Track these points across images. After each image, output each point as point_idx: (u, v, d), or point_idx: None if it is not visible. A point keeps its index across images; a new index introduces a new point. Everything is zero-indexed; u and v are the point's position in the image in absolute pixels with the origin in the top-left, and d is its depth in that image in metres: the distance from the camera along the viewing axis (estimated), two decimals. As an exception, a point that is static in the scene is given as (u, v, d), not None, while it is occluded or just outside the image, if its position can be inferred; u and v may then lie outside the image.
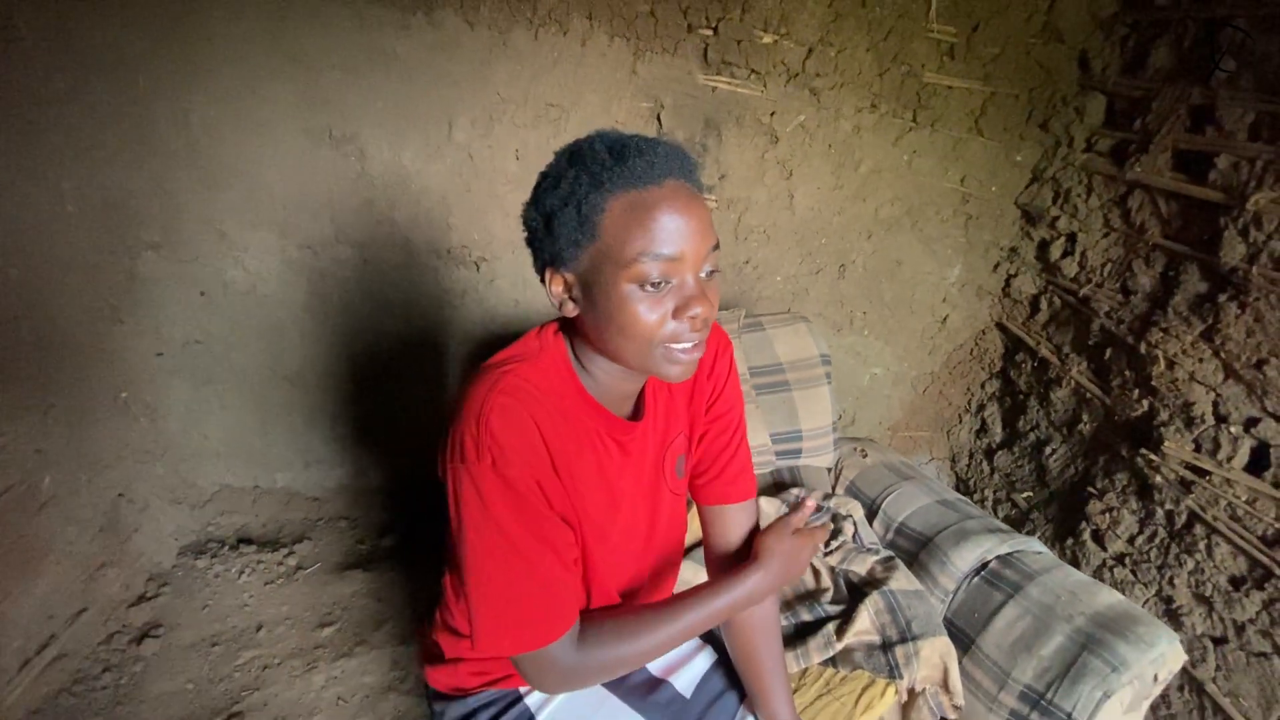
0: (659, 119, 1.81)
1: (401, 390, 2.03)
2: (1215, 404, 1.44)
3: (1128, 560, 1.61)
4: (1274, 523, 1.31)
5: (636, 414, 0.80)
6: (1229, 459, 1.39)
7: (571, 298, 0.69)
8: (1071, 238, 1.86)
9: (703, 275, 0.66)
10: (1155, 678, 1.03)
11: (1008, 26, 1.79)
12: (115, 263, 1.67)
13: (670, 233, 0.62)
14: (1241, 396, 1.39)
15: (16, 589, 1.41)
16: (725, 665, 0.94)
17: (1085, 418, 1.80)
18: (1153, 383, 1.55)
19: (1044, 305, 1.97)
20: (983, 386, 2.23)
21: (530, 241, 0.71)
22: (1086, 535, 1.72)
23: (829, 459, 1.61)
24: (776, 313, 1.73)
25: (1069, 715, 1.01)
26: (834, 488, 1.60)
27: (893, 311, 2.14)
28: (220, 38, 1.57)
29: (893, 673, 1.15)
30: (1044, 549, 1.27)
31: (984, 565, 1.24)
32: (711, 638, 0.99)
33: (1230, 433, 1.39)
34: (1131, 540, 1.61)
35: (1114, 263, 1.74)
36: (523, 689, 0.84)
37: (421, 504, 2.16)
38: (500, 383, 0.68)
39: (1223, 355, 1.41)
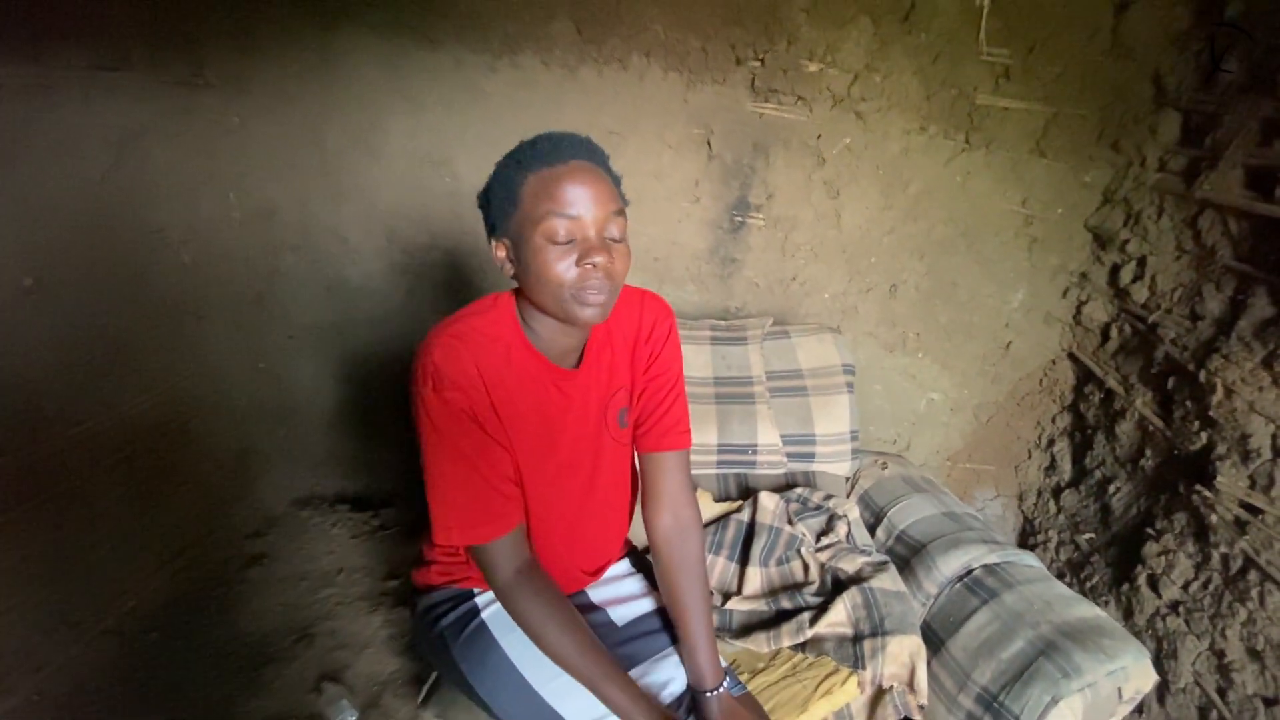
0: (709, 144, 1.97)
1: (476, 381, 2.30)
2: (1274, 436, 1.30)
3: (1181, 609, 1.47)
4: (1332, 570, 1.16)
5: (578, 366, 0.95)
6: (1283, 496, 1.25)
7: (509, 259, 0.86)
8: (1142, 261, 1.75)
9: (608, 237, 0.81)
10: (1120, 694, 0.96)
11: (1068, 46, 1.76)
12: (262, 259, 2.09)
13: (571, 198, 0.78)
14: (1303, 429, 1.25)
15: (159, 508, 1.80)
16: (666, 616, 1.04)
17: (1148, 453, 1.66)
18: (1210, 413, 1.43)
19: (1114, 333, 1.85)
20: (1053, 420, 2.10)
21: (484, 221, 0.90)
22: (1142, 580, 1.57)
23: (846, 467, 1.62)
24: (807, 324, 1.78)
25: (1017, 718, 0.98)
26: (848, 495, 1.61)
27: (949, 335, 2.10)
28: (351, 82, 1.95)
29: (857, 664, 1.17)
30: (1036, 563, 1.22)
31: (969, 572, 1.22)
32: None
33: (1288, 468, 1.25)
34: (1186, 586, 1.46)
35: (1184, 287, 1.62)
36: (475, 590, 0.99)
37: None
38: (450, 329, 0.86)
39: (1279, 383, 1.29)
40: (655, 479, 1.00)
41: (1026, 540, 2.16)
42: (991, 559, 1.21)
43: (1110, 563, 1.73)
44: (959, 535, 1.29)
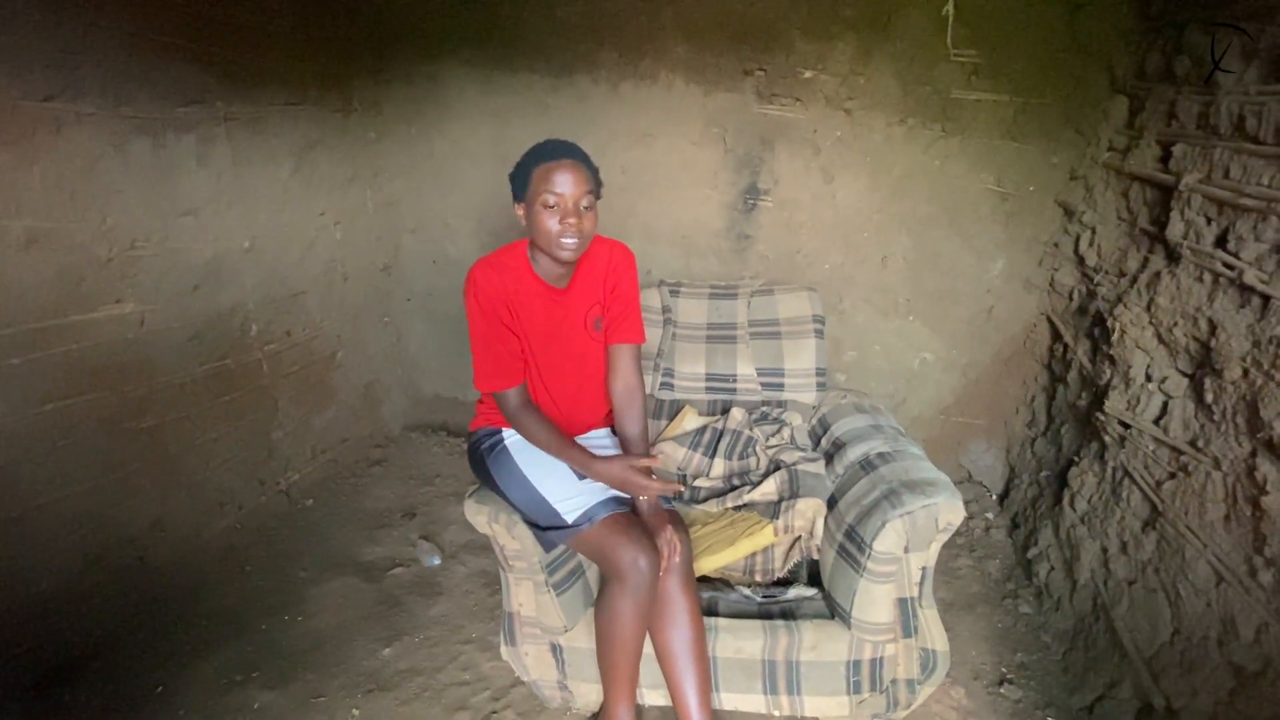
0: (724, 140, 2.41)
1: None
2: (1147, 366, 1.55)
3: (1086, 519, 1.73)
4: (1167, 467, 1.41)
5: (566, 288, 1.46)
6: (1142, 412, 1.50)
7: (523, 217, 1.38)
8: (1095, 230, 1.99)
9: (582, 207, 1.30)
10: (937, 524, 1.31)
11: (1030, 45, 2.03)
12: (389, 239, 2.79)
13: (557, 180, 1.28)
14: (1164, 357, 1.49)
15: (315, 412, 2.52)
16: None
17: (1084, 395, 1.91)
18: (1111, 352, 1.69)
19: (1075, 295, 2.09)
20: (1035, 379, 2.33)
21: (511, 191, 1.42)
22: (1065, 501, 1.84)
23: (812, 397, 2.00)
24: (791, 284, 2.17)
25: (863, 538, 1.34)
26: (811, 419, 1.99)
27: (937, 301, 2.39)
28: (453, 102, 2.59)
29: (775, 517, 1.59)
30: (920, 452, 1.55)
31: (866, 458, 1.59)
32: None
33: (1148, 389, 1.50)
34: (1090, 500, 1.72)
35: (1119, 250, 1.86)
36: (503, 429, 1.53)
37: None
38: (486, 259, 1.40)
39: (1153, 322, 1.54)
40: (614, 361, 1.50)
41: (1009, 485, 2.41)
42: (885, 448, 1.57)
43: (1053, 493, 1.99)
44: (871, 434, 1.66)
